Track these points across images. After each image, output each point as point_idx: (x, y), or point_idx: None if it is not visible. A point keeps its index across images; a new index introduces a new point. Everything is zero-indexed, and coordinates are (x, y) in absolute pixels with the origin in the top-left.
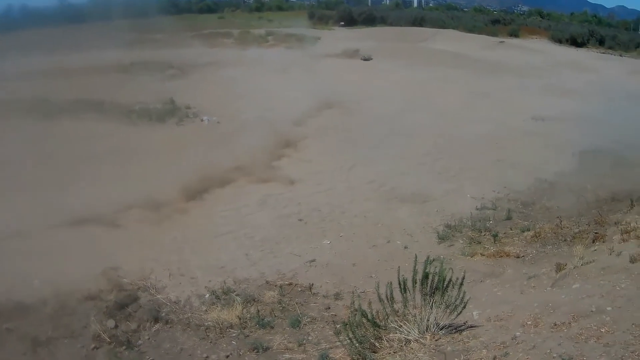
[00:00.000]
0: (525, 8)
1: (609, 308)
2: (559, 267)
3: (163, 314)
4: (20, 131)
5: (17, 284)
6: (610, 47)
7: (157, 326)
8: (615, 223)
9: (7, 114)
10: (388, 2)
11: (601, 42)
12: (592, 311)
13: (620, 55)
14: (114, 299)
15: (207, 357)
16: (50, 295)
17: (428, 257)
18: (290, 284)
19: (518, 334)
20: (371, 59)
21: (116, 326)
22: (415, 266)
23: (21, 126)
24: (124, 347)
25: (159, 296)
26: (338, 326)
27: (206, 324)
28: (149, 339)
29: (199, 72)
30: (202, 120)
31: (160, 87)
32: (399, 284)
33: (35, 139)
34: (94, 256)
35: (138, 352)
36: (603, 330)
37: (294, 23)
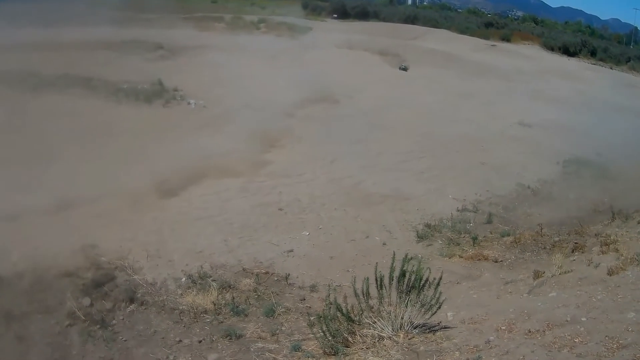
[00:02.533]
0: (519, 13)
1: (583, 319)
2: (537, 275)
3: (139, 295)
4: (6, 103)
5: None
6: (601, 59)
7: (132, 307)
8: (596, 234)
9: None
10: None
11: (593, 53)
12: (567, 321)
13: (611, 68)
14: (91, 276)
15: (180, 341)
16: (28, 269)
17: (406, 255)
18: (267, 272)
19: (492, 338)
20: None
21: (91, 304)
22: (393, 263)
23: (7, 98)
24: (98, 326)
25: (135, 277)
26: (312, 318)
27: (181, 307)
28: (123, 319)
29: (188, 55)
30: (188, 103)
31: (149, 67)
32: (376, 280)
33: (21, 112)
34: (73, 233)
35: (111, 332)
36: (577, 340)
37: (287, 12)
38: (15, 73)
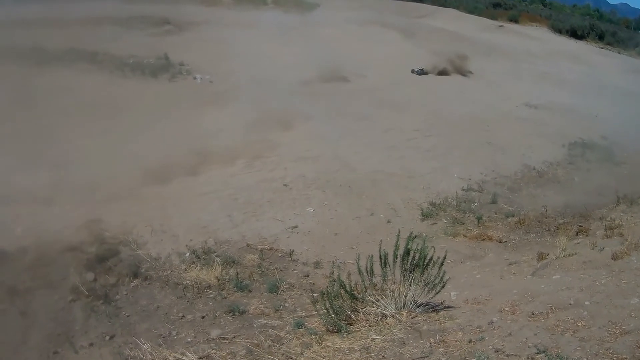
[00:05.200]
0: None
1: (587, 302)
2: (541, 256)
3: (142, 270)
4: (11, 78)
5: None
6: (609, 43)
7: (135, 282)
8: (600, 218)
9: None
10: None
11: (601, 37)
12: (570, 304)
13: (619, 53)
14: (95, 251)
15: (183, 316)
16: (32, 244)
17: (411, 234)
18: (271, 248)
19: (495, 319)
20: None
21: (95, 279)
22: (397, 241)
23: (12, 73)
24: (101, 302)
25: (139, 251)
26: (315, 295)
27: (184, 282)
28: (126, 294)
29: (195, 30)
30: (194, 78)
31: (155, 42)
32: (380, 257)
33: (25, 87)
34: (77, 208)
35: (115, 307)
36: (579, 324)
37: None
38: (20, 48)
